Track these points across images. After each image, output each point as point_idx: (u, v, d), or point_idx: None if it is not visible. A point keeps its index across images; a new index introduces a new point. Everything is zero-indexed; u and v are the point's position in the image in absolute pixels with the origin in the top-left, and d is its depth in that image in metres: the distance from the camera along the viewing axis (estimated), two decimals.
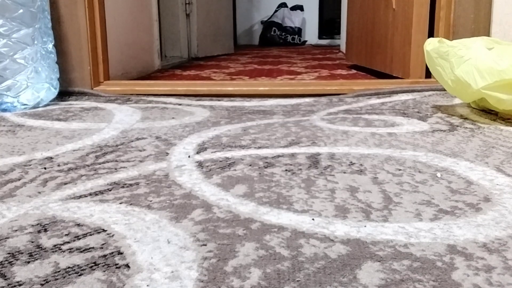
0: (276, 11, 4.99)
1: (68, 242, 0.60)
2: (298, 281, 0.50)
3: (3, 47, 1.41)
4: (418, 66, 1.79)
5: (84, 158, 0.96)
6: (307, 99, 1.59)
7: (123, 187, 0.79)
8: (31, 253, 0.57)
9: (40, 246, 0.59)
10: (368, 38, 2.18)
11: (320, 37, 5.02)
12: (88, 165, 0.91)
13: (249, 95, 1.67)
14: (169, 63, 2.76)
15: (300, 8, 4.98)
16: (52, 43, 1.56)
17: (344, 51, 2.81)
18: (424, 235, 0.61)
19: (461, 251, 0.56)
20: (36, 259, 0.56)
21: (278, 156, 0.95)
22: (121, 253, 0.57)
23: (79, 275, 0.52)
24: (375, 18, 2.08)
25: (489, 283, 0.50)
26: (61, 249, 0.58)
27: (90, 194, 0.76)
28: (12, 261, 0.56)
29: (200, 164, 0.91)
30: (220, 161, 0.92)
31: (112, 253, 0.57)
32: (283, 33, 4.89)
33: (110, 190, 0.78)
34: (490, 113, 1.29)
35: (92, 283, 0.51)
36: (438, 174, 0.83)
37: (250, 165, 0.89)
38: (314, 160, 0.92)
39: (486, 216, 0.66)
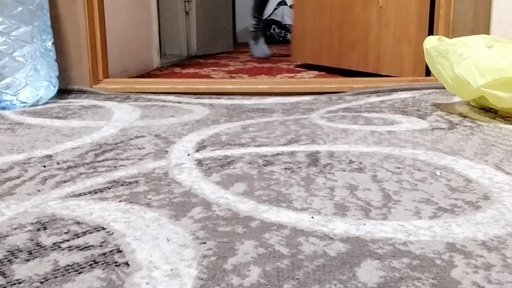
0: (275, 9, 4.98)
1: (68, 240, 0.60)
2: (297, 279, 0.51)
3: (2, 45, 1.40)
4: (418, 64, 1.79)
5: (83, 156, 0.96)
6: (307, 97, 1.59)
7: (122, 185, 0.79)
8: (30, 251, 0.57)
9: (40, 244, 0.59)
10: (333, 37, 2.13)
11: None
12: (87, 163, 0.91)
13: (249, 93, 1.67)
14: (168, 61, 2.76)
15: None
16: (51, 41, 1.56)
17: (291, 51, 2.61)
18: (424, 233, 0.61)
19: (460, 249, 0.57)
20: (36, 257, 0.56)
21: (278, 154, 0.95)
22: (121, 251, 0.57)
23: (79, 273, 0.52)
24: (347, 17, 2.05)
25: (488, 281, 0.50)
26: (60, 247, 0.58)
27: (90, 192, 0.76)
28: (11, 259, 0.56)
29: (199, 162, 0.91)
30: (220, 159, 0.92)
31: (112, 251, 0.57)
32: (283, 31, 4.88)
33: (110, 188, 0.78)
34: (489, 111, 1.30)
35: (91, 281, 0.51)
36: (438, 172, 0.83)
37: (250, 163, 0.89)
38: (313, 158, 0.92)
39: (485, 214, 0.66)
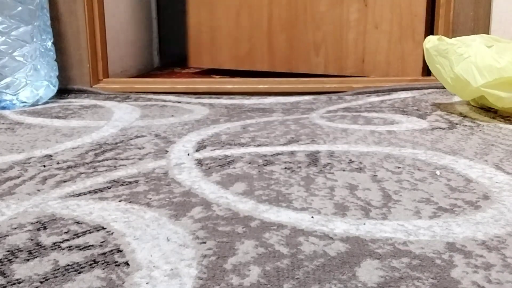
0: None
1: (68, 240, 0.60)
2: (297, 278, 0.51)
3: (2, 44, 1.40)
4: (425, 63, 1.78)
5: (83, 156, 0.96)
6: (307, 97, 1.59)
7: (122, 185, 0.79)
8: (30, 251, 0.57)
9: (40, 244, 0.59)
10: (276, 39, 1.97)
11: None
12: (87, 163, 0.91)
13: (249, 93, 1.67)
14: (169, 61, 2.75)
15: None
16: (51, 41, 1.56)
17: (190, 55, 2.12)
18: (423, 232, 0.61)
19: (460, 248, 0.57)
20: (36, 257, 0.56)
21: (278, 154, 0.95)
22: (121, 251, 0.57)
23: (79, 273, 0.52)
24: (301, 16, 1.94)
25: (488, 281, 0.50)
26: (60, 246, 0.58)
27: (90, 192, 0.76)
28: (11, 259, 0.56)
29: (199, 162, 0.91)
30: (220, 159, 0.92)
31: (112, 250, 0.57)
32: None
33: (110, 188, 0.78)
34: (489, 111, 1.30)
35: (91, 280, 0.51)
36: (437, 172, 0.83)
37: (250, 163, 0.89)
38: (313, 158, 0.92)
39: (485, 214, 0.66)
